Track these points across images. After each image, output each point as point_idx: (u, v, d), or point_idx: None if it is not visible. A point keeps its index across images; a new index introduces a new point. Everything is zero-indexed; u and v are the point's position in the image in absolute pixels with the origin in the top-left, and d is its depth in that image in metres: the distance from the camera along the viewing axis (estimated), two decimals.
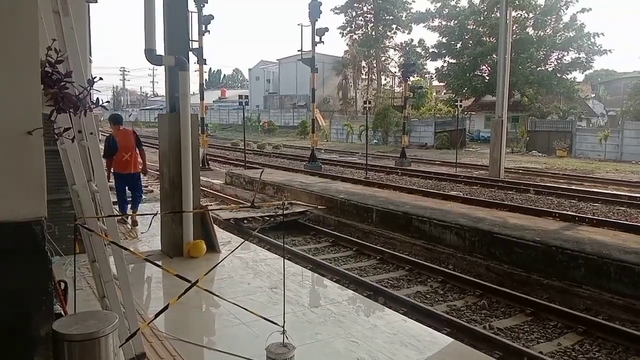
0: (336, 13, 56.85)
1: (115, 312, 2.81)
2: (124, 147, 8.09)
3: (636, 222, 10.66)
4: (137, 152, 8.31)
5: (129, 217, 8.38)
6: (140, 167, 8.40)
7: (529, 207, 12.11)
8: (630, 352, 5.09)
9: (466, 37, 41.26)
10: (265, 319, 3.41)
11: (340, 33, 57.77)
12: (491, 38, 38.15)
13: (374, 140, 38.39)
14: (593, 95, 59.18)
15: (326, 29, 19.69)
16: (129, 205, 8.52)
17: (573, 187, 15.86)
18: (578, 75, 42.47)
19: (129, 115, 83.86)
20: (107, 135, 8.38)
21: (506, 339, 5.28)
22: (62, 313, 2.90)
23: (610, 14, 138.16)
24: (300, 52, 21.09)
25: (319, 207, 11.33)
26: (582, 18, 37.46)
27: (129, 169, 8.18)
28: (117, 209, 8.12)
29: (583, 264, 6.85)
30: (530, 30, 38.44)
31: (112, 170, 8.13)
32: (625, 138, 28.74)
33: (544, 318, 5.92)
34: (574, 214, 11.30)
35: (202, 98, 20.29)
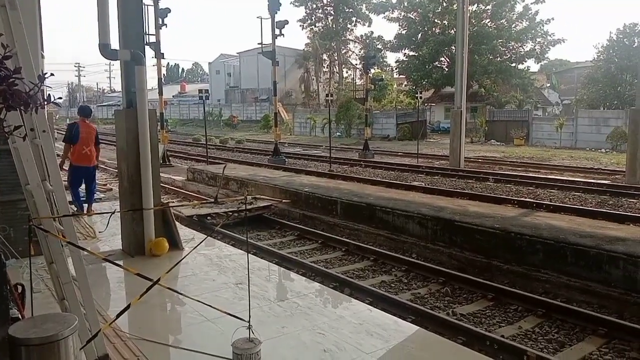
0: (296, 5, 56.60)
1: (75, 314, 2.73)
2: (84, 140, 8.38)
3: (591, 207, 11.07)
4: (95, 148, 8.65)
5: (85, 214, 8.29)
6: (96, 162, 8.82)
7: (489, 195, 12.41)
8: (587, 331, 5.30)
9: (425, 29, 41.77)
10: (230, 314, 3.39)
11: (300, 26, 57.66)
12: (450, 30, 38.75)
13: (337, 133, 38.52)
14: (548, 84, 61.03)
15: (286, 22, 19.58)
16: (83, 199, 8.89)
17: (530, 175, 16.34)
18: (533, 66, 43.76)
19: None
20: (72, 122, 8.83)
21: (469, 324, 5.42)
22: (20, 317, 2.81)
23: (562, 5, 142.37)
24: (260, 45, 20.91)
25: (283, 201, 11.31)
26: (535, 8, 38.24)
27: (87, 162, 8.48)
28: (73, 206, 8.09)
29: (541, 249, 7.08)
30: (487, 22, 39.22)
31: (70, 162, 8.49)
32: (579, 126, 29.74)
33: (505, 302, 6.10)
34: (531, 200, 11.65)
35: (160, 93, 19.90)
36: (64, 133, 8.95)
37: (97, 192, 9.79)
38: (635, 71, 27.64)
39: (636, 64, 23.24)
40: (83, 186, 8.77)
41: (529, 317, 5.70)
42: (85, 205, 8.72)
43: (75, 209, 8.31)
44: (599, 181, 14.71)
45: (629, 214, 10.14)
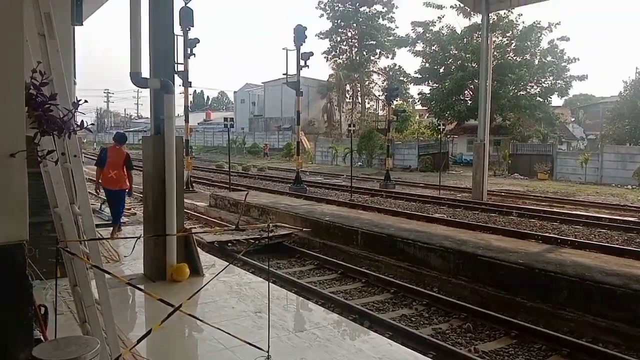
0: (321, 38, 57.59)
1: (97, 338, 2.75)
2: (111, 164, 8.90)
3: (617, 244, 10.81)
4: (125, 172, 9.00)
5: (110, 238, 8.45)
6: (127, 186, 9.12)
7: (512, 229, 12.22)
8: None
9: (448, 62, 41.97)
10: (249, 343, 3.37)
11: (325, 57, 58.48)
12: (473, 63, 38.86)
13: (359, 163, 38.58)
14: (573, 119, 60.49)
15: (311, 54, 19.92)
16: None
17: (555, 210, 16.06)
18: (556, 100, 43.42)
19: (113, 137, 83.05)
20: (103, 147, 9.72)
21: None
22: (42, 338, 2.84)
23: (587, 41, 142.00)
24: (285, 76, 21.24)
25: (304, 229, 11.30)
26: (561, 45, 38.24)
27: (112, 185, 8.95)
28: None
29: (566, 286, 6.90)
30: (511, 56, 39.27)
31: (100, 182, 9.16)
32: (604, 161, 29.27)
33: (529, 341, 5.94)
34: (556, 236, 11.42)
35: (186, 120, 20.26)
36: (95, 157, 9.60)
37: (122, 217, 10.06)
38: None
39: None
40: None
41: (553, 357, 5.53)
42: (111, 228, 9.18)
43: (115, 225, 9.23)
44: (625, 218, 14.37)
45: None
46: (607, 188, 25.15)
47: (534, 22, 38.10)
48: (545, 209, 16.31)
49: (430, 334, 6.07)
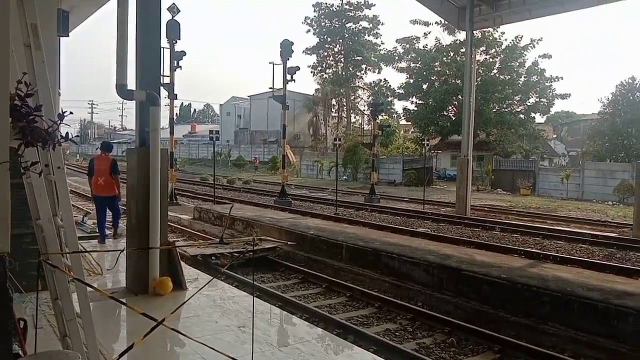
0: (307, 53, 58.01)
1: (78, 352, 2.71)
2: (99, 172, 9.39)
3: (598, 259, 10.95)
4: (112, 177, 9.44)
5: (93, 251, 8.33)
6: (115, 192, 9.54)
7: (495, 244, 12.32)
8: None
9: (432, 79, 42.49)
10: (233, 358, 3.34)
11: (311, 72, 58.84)
12: (456, 79, 39.40)
13: (344, 177, 38.69)
14: (555, 136, 61.51)
15: (297, 68, 20.06)
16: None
17: (537, 225, 16.23)
18: (539, 117, 44.18)
19: (96, 149, 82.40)
20: (91, 158, 10.17)
21: None
22: (21, 353, 2.79)
23: (569, 58, 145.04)
24: (271, 90, 21.32)
25: (288, 243, 11.27)
26: (543, 63, 38.99)
27: (102, 192, 9.42)
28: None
29: (548, 301, 6.97)
30: (495, 74, 39.90)
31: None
32: (586, 177, 29.73)
33: (512, 355, 5.97)
34: (538, 251, 11.54)
35: (171, 132, 20.19)
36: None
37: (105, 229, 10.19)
38: None
39: None
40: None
41: None
42: (111, 232, 9.90)
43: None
44: (606, 234, 14.57)
45: (637, 267, 10.01)
46: (588, 204, 25.52)
47: (516, 37, 38.83)
48: (527, 224, 16.48)
49: (414, 349, 6.07)
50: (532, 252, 11.28)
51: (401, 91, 44.52)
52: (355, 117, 59.91)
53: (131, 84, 6.28)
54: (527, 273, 8.05)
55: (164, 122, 21.01)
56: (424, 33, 45.85)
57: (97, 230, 9.78)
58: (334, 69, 57.98)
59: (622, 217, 19.22)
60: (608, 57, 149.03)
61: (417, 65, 42.68)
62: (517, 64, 39.42)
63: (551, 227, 15.94)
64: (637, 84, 37.50)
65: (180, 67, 19.04)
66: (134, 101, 6.41)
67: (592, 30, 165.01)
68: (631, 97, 37.57)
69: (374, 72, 56.38)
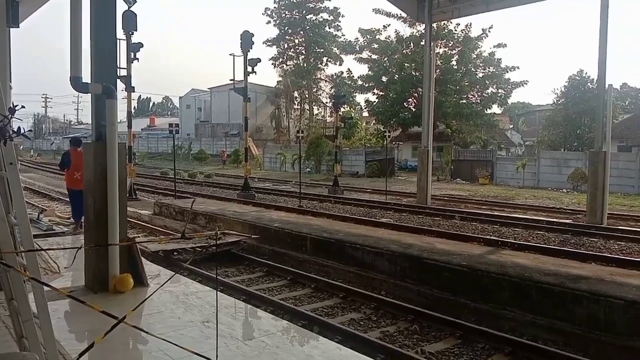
0: (268, 45, 57.58)
1: (35, 353, 2.63)
2: (75, 166, 9.88)
3: (554, 245, 11.35)
4: None
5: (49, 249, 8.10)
6: None
7: (455, 232, 12.60)
8: None
9: (392, 71, 42.88)
10: (196, 354, 3.30)
11: (272, 64, 58.50)
12: (416, 72, 39.89)
13: (307, 169, 38.72)
14: (511, 126, 63.20)
15: (258, 60, 19.86)
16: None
17: (495, 213, 16.68)
18: (497, 108, 45.27)
19: (51, 144, 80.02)
20: (65, 151, 10.56)
21: None
22: None
23: (524, 50, 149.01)
24: (232, 82, 21.08)
25: (252, 236, 11.21)
26: (499, 53, 40.03)
27: (78, 185, 9.65)
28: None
29: (507, 286, 7.18)
30: (453, 65, 40.57)
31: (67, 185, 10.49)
32: (541, 166, 30.70)
33: (473, 340, 6.13)
34: (497, 238, 11.86)
35: (129, 126, 19.69)
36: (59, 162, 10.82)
37: (60, 227, 10.25)
38: (592, 115, 28.89)
39: (593, 108, 24.33)
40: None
41: (496, 356, 5.73)
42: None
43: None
44: (561, 220, 15.11)
45: (590, 252, 10.44)
46: (544, 192, 26.38)
47: (466, 26, 39.44)
48: (486, 212, 16.91)
49: (379, 337, 6.16)
50: (490, 239, 11.59)
51: (362, 83, 44.76)
52: (317, 110, 60.06)
53: (86, 77, 6.09)
54: (487, 260, 8.27)
55: (122, 115, 20.53)
56: (384, 25, 46.19)
57: (74, 219, 10.72)
58: (295, 61, 57.80)
59: (576, 204, 19.95)
60: (559, 49, 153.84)
61: (378, 57, 42.95)
62: (475, 55, 40.20)
63: (509, 214, 16.41)
64: (586, 76, 38.82)
65: (138, 59, 18.55)
66: (90, 94, 6.23)
67: (545, 22, 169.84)
68: (582, 89, 38.90)
69: (336, 64, 56.54)
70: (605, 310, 6.18)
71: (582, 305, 6.39)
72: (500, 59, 39.76)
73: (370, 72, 43.65)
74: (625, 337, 5.90)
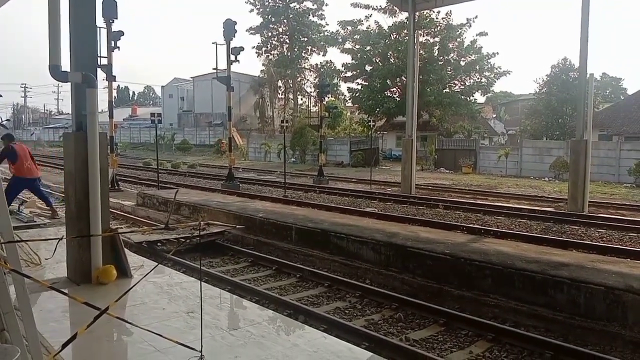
0: (252, 33, 57.03)
1: (17, 346, 2.59)
2: (24, 157, 10.36)
3: (536, 233, 11.50)
4: (34, 162, 10.71)
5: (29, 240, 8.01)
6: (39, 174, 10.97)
7: (439, 221, 12.70)
8: (534, 355, 5.44)
9: (376, 60, 42.84)
10: (182, 344, 3.30)
11: (256, 52, 58.00)
12: (399, 61, 39.91)
13: (292, 159, 38.65)
14: (494, 115, 63.72)
15: (241, 49, 19.68)
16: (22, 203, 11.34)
17: (478, 202, 16.84)
18: (480, 97, 45.62)
19: (31, 135, 78.79)
20: (6, 146, 10.43)
21: (422, 349, 5.47)
22: None
23: (506, 39, 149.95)
24: (215, 71, 20.88)
25: (237, 226, 11.17)
26: (480, 42, 40.15)
27: (32, 174, 10.52)
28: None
29: (490, 274, 7.27)
30: (436, 54, 40.66)
31: (14, 175, 10.42)
32: (524, 155, 31.05)
33: (456, 327, 6.20)
34: (480, 226, 11.98)
35: (111, 116, 19.41)
36: None
37: (42, 218, 10.29)
38: (574, 104, 29.25)
39: (575, 97, 24.61)
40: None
41: (479, 342, 5.81)
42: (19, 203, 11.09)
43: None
44: (543, 208, 15.32)
45: (572, 240, 10.61)
46: (526, 180, 26.70)
47: (447, 14, 39.46)
48: (469, 201, 17.08)
49: (363, 325, 6.20)
50: (474, 227, 11.71)
51: (346, 73, 44.66)
52: (302, 99, 59.69)
53: (66, 66, 5.97)
54: (470, 248, 8.35)
55: (103, 105, 20.24)
56: (365, 16, 46.11)
57: (47, 206, 11.14)
58: (279, 50, 57.35)
59: (557, 193, 20.25)
60: (543, 39, 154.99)
61: (360, 47, 42.86)
62: (457, 43, 40.31)
63: (492, 203, 16.58)
64: (569, 64, 39.22)
65: (119, 47, 18.26)
66: (70, 83, 6.11)
67: (528, 12, 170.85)
68: (565, 77, 39.30)
69: (320, 53, 56.25)
70: (586, 297, 6.29)
71: (563, 292, 6.50)
72: (482, 47, 40.02)
73: (354, 61, 43.54)
74: (605, 322, 6.02)
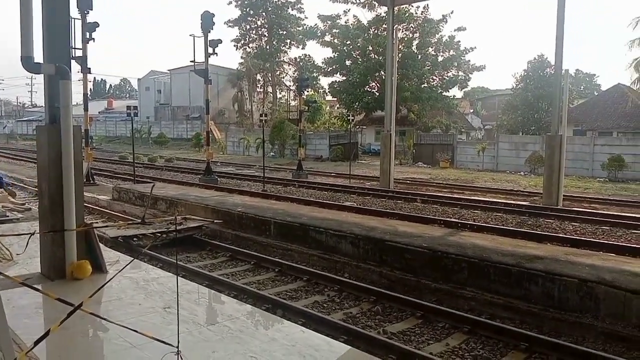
0: (230, 26, 56.48)
1: None
2: None
3: (512, 227, 11.68)
4: None
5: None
6: None
7: (417, 215, 12.81)
8: (509, 347, 5.53)
9: (355, 55, 42.88)
10: (158, 340, 3.26)
11: (234, 45, 57.46)
12: (378, 55, 40.01)
13: (271, 153, 38.51)
14: (471, 110, 64.39)
15: (220, 41, 19.47)
16: None
17: (455, 196, 17.03)
18: (457, 92, 46.08)
19: (4, 128, 76.96)
20: None
21: (399, 342, 5.51)
22: None
23: (482, 35, 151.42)
24: (193, 63, 20.63)
25: (215, 221, 11.10)
26: (458, 37, 40.53)
27: None
28: None
29: (466, 267, 7.35)
30: (415, 50, 40.87)
31: None
32: (500, 150, 31.47)
33: (433, 320, 6.27)
34: (457, 220, 12.12)
35: (86, 109, 19.08)
36: None
37: (14, 213, 10.14)
38: (549, 99, 29.70)
39: (550, 93, 25.00)
40: None
41: (456, 334, 5.88)
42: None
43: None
44: (518, 202, 15.56)
45: (546, 233, 10.81)
46: (503, 175, 27.08)
47: (424, 7, 39.70)
48: (447, 195, 17.25)
49: (342, 319, 6.22)
50: (451, 221, 11.84)
51: (325, 67, 44.61)
52: (281, 93, 59.44)
53: (39, 57, 5.82)
54: (447, 241, 8.44)
55: (77, 98, 19.87)
56: (344, 11, 46.10)
57: None
58: (257, 43, 56.92)
59: (533, 187, 20.59)
60: (520, 35, 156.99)
61: (340, 41, 42.83)
62: (435, 39, 40.58)
63: (469, 197, 16.79)
64: (545, 60, 39.80)
65: (94, 39, 17.92)
66: (42, 75, 5.97)
67: (505, 7, 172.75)
68: (541, 73, 39.87)
69: (299, 47, 56.04)
70: (560, 289, 6.41)
71: (537, 284, 6.62)
72: (460, 42, 40.38)
73: (333, 56, 43.52)
74: (578, 313, 6.15)
